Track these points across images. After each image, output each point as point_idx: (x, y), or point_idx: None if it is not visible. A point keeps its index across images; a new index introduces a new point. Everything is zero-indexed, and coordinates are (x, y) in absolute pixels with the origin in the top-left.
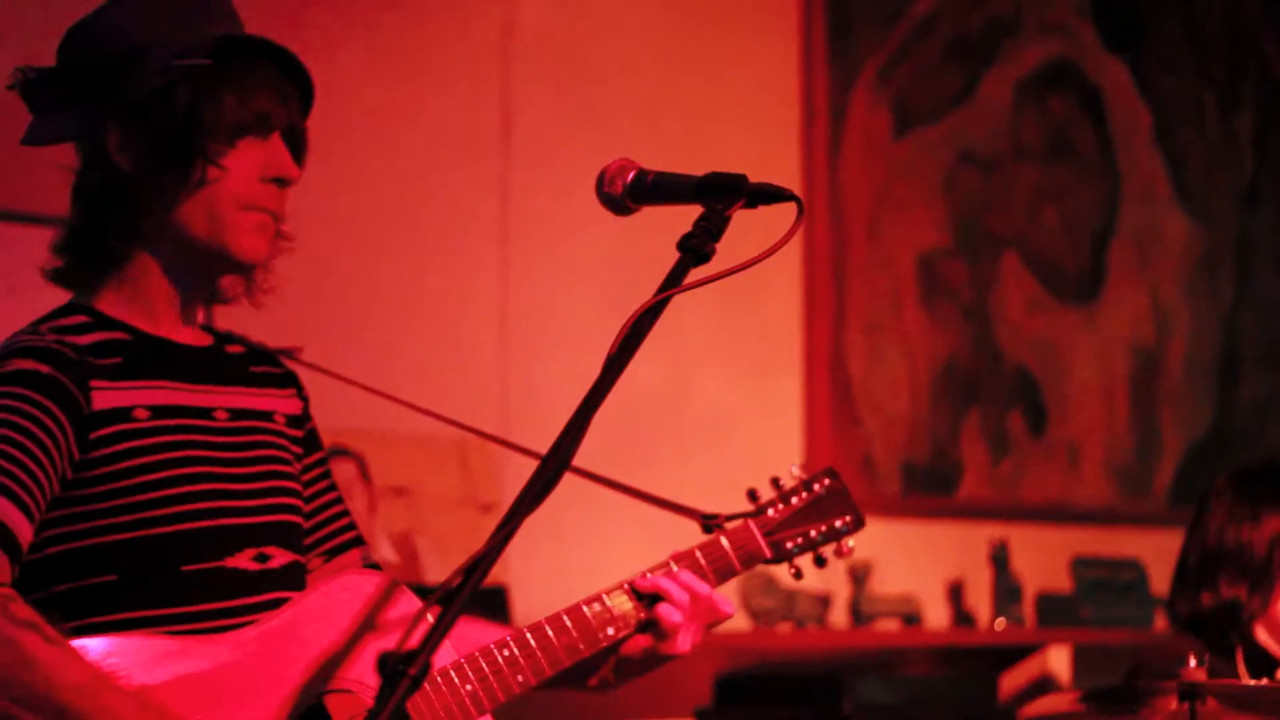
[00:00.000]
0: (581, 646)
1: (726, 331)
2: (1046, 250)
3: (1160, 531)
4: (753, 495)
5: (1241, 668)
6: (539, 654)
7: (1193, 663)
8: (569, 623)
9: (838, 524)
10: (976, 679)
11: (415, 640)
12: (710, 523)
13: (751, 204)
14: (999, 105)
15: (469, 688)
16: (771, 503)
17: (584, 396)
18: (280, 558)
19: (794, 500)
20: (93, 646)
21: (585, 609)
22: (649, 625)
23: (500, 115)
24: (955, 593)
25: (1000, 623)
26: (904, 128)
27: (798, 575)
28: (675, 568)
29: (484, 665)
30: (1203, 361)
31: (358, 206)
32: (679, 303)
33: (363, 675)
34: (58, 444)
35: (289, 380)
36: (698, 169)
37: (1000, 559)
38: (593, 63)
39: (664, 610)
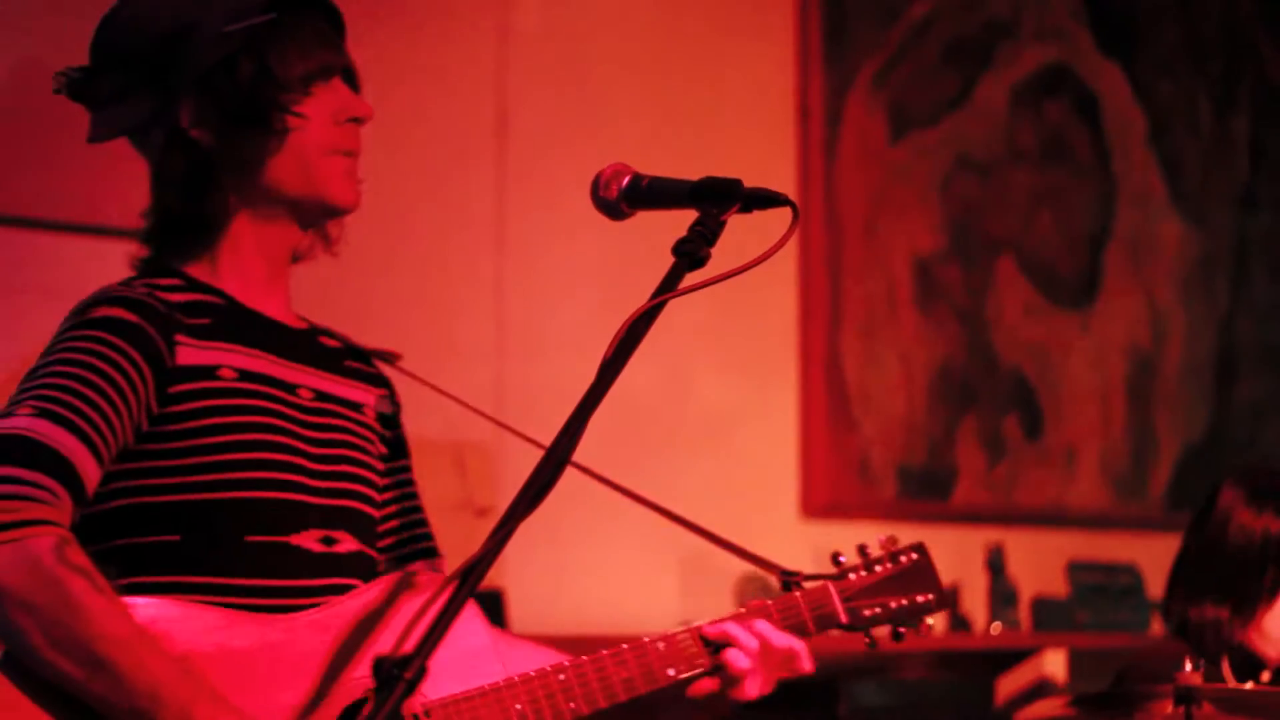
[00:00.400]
0: (640, 684)
1: (722, 335)
2: (1042, 254)
3: (1156, 536)
4: (836, 559)
5: (1227, 672)
6: (595, 684)
7: (1188, 667)
8: (630, 658)
9: (919, 599)
10: (972, 683)
11: (412, 644)
12: (789, 579)
13: (747, 209)
14: (995, 109)
15: (518, 706)
16: (855, 568)
17: (580, 400)
18: (347, 543)
19: (877, 569)
20: (143, 606)
21: (649, 645)
22: (717, 669)
23: (496, 119)
24: (951, 597)
25: (996, 627)
26: (900, 131)
27: (872, 645)
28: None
29: (537, 687)
30: (1199, 365)
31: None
32: (675, 306)
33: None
34: (136, 392)
35: (383, 382)
36: (693, 173)
37: (996, 563)
38: (588, 67)
39: (731, 655)
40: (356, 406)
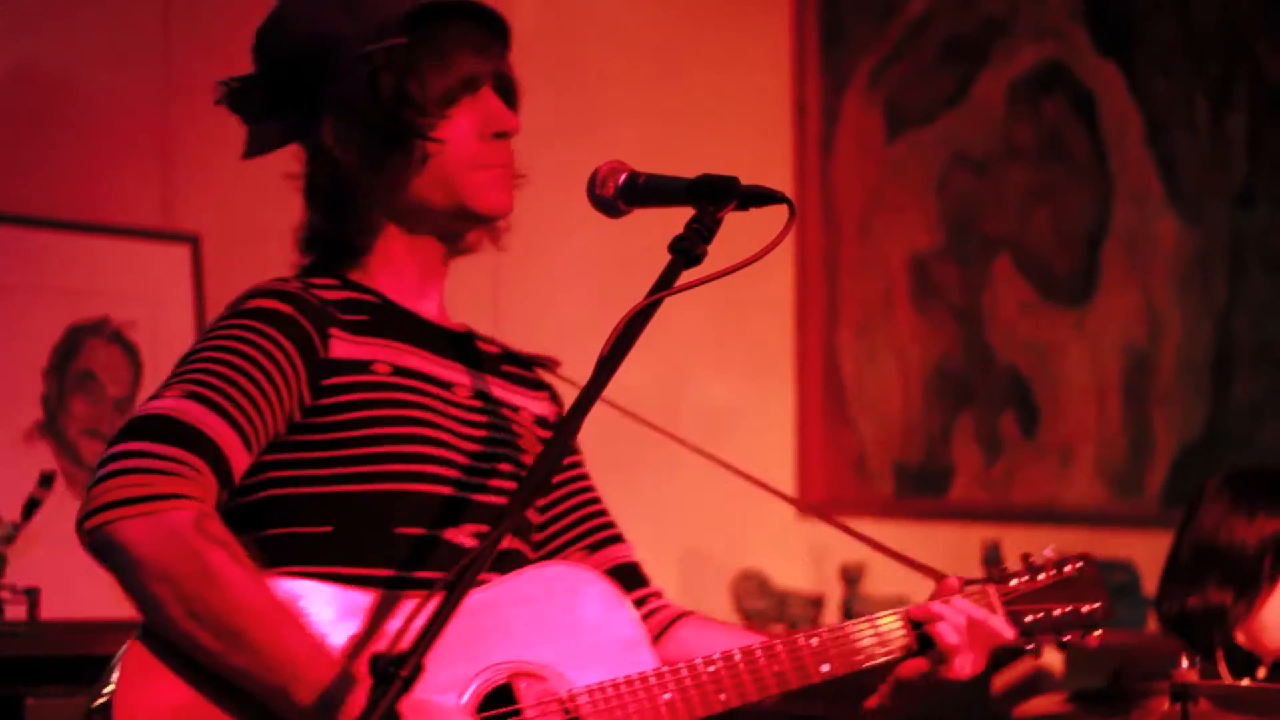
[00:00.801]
0: (792, 680)
1: (719, 333)
2: (1039, 252)
3: (1152, 533)
4: (998, 564)
5: (1223, 667)
6: (745, 678)
7: (1185, 664)
8: (783, 651)
9: (1084, 609)
10: (969, 679)
11: (409, 642)
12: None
13: (743, 206)
14: (992, 107)
15: (666, 696)
16: (1018, 573)
17: (576, 398)
18: (503, 542)
19: (1040, 576)
20: (287, 584)
21: (801, 641)
22: (924, 650)
23: None
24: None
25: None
26: (896, 129)
27: (1035, 653)
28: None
29: (687, 677)
30: (1195, 363)
31: None
32: (671, 304)
33: (560, 665)
34: (288, 383)
35: (543, 386)
36: (689, 171)
37: (993, 561)
38: (585, 64)
39: (941, 629)
40: (514, 409)
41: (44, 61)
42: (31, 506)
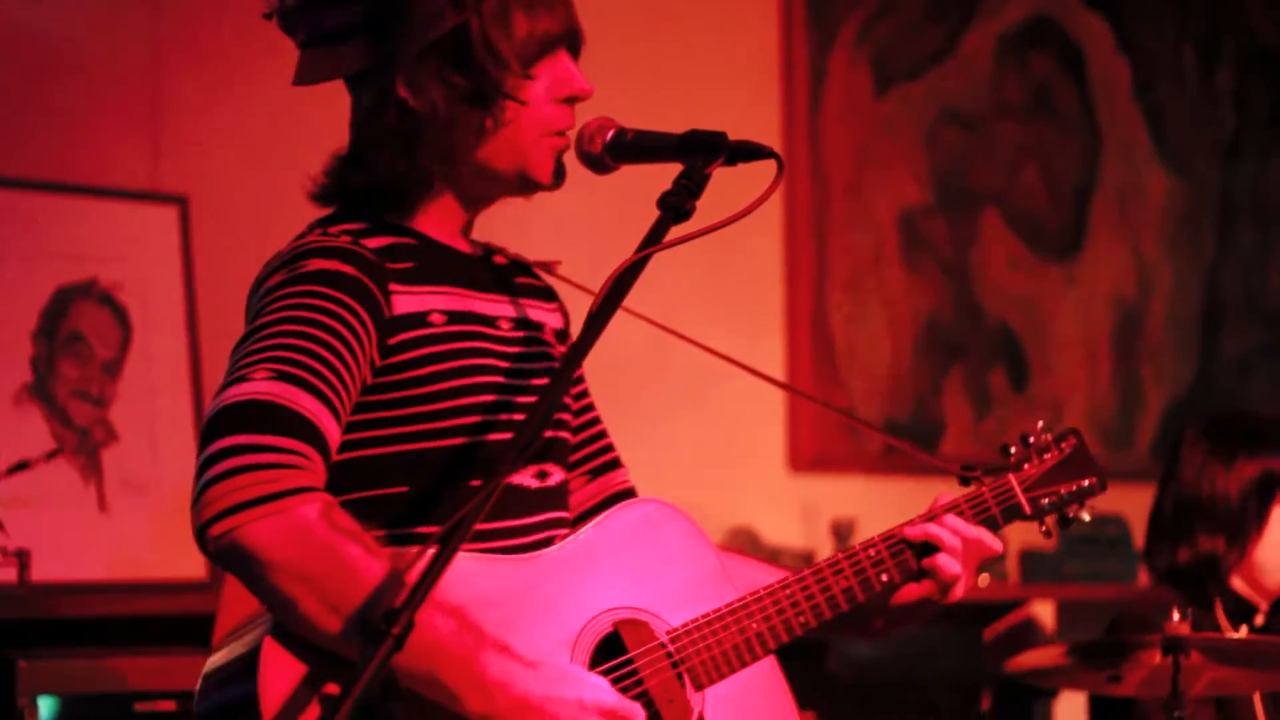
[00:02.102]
0: (859, 592)
1: (707, 290)
2: (1028, 207)
3: (1143, 487)
4: (1005, 450)
5: (1221, 617)
6: (819, 596)
7: (1176, 616)
8: (847, 566)
9: (1085, 484)
10: (961, 635)
11: (402, 597)
12: (968, 475)
13: (731, 161)
14: (980, 62)
15: (755, 628)
16: (1026, 458)
17: (565, 354)
18: (556, 475)
19: (1046, 457)
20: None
21: (861, 554)
22: (922, 574)
23: None
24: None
25: (984, 579)
26: (884, 85)
27: (1047, 534)
28: (941, 515)
29: (769, 604)
30: (1184, 317)
31: None
32: (659, 261)
33: (655, 606)
34: (363, 346)
35: (552, 294)
36: (677, 127)
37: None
38: None
39: (943, 561)
40: (540, 328)
41: (32, 23)
42: (17, 468)
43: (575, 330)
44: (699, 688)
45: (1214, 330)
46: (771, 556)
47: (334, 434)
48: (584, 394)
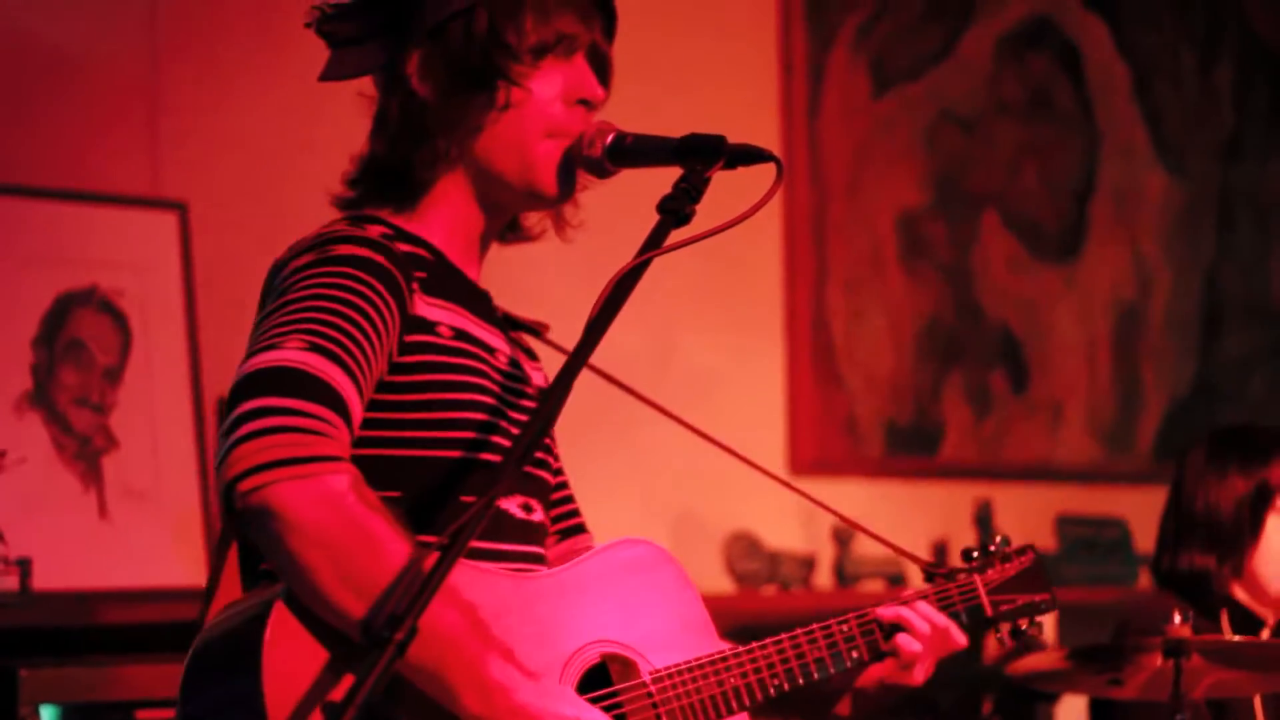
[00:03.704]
0: (829, 664)
1: (707, 293)
2: (1027, 208)
3: (1144, 489)
4: (968, 555)
5: (1226, 626)
6: (793, 661)
7: (1177, 620)
8: (820, 637)
9: (1038, 599)
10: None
11: (404, 605)
12: (933, 571)
13: (731, 165)
14: (978, 63)
15: (733, 682)
16: (990, 564)
17: (566, 360)
18: (538, 512)
19: (1007, 566)
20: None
21: (834, 627)
22: (890, 654)
23: None
24: (939, 553)
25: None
26: (883, 86)
27: (1001, 641)
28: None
29: (746, 661)
30: (1184, 318)
31: (334, 174)
32: (659, 265)
33: (641, 645)
34: (389, 333)
35: (533, 355)
36: (676, 130)
37: (984, 519)
38: None
39: (903, 640)
40: (528, 380)
41: (30, 28)
42: None
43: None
44: None
45: (1214, 331)
46: (772, 560)
47: (358, 412)
48: (556, 455)
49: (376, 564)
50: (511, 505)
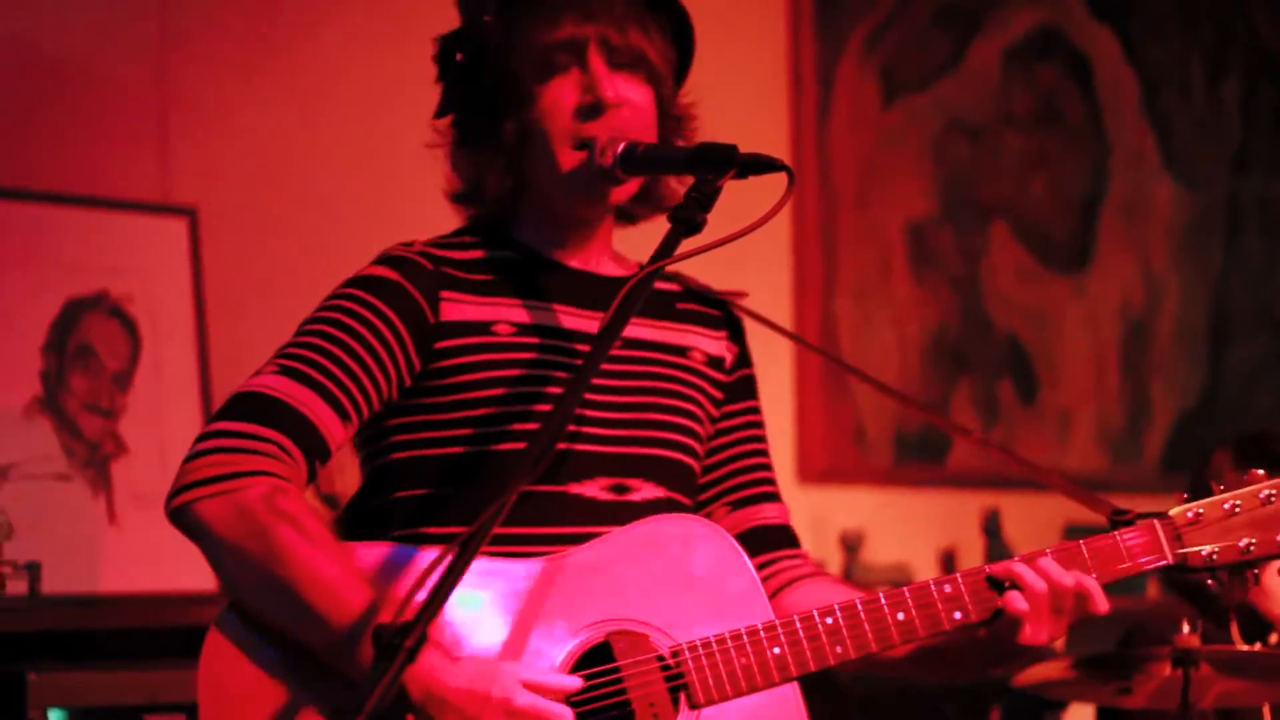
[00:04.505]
0: (920, 627)
1: None
2: (1035, 218)
3: (1151, 499)
4: (996, 531)
5: (1236, 634)
6: (867, 627)
7: (1186, 629)
8: (910, 600)
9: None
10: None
11: (413, 611)
12: (1117, 519)
13: (742, 174)
14: (987, 73)
15: (776, 650)
16: (1209, 499)
17: (578, 368)
18: (645, 491)
19: (1233, 505)
20: (371, 550)
21: (933, 588)
22: (999, 612)
23: None
24: (948, 561)
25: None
26: (892, 96)
27: (1222, 598)
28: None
29: (800, 629)
30: (1193, 328)
31: (343, 180)
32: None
33: (663, 622)
34: (390, 350)
35: (723, 324)
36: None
37: (992, 528)
38: None
39: (1011, 597)
40: (679, 351)
41: (39, 34)
42: None
43: (750, 358)
44: (694, 706)
45: (1222, 341)
46: None
47: (334, 432)
48: (743, 413)
49: (282, 569)
50: (591, 489)
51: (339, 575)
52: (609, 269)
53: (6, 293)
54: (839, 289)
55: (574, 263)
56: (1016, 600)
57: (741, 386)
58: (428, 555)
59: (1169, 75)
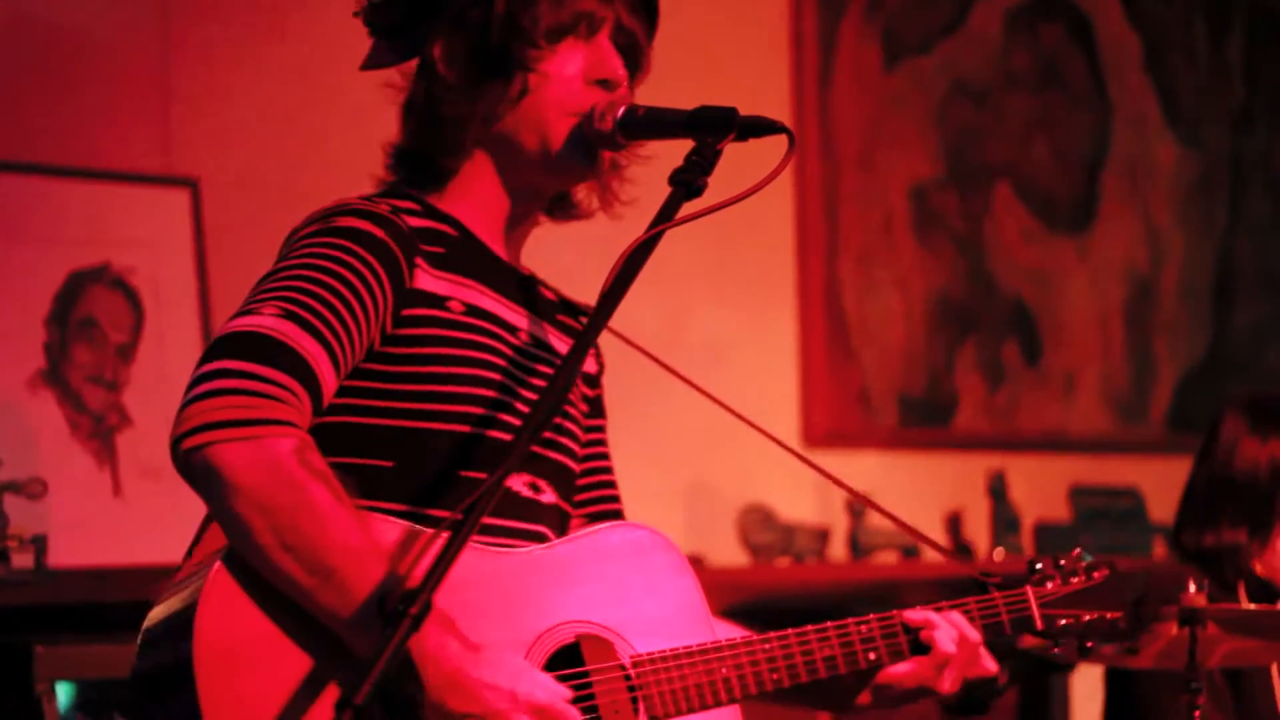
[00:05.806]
0: (841, 664)
1: (720, 267)
2: (1039, 179)
3: (1157, 459)
4: (1031, 566)
5: (1244, 598)
6: (798, 658)
7: (1192, 588)
8: (834, 636)
9: (1109, 616)
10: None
11: (418, 578)
12: (986, 580)
13: (743, 137)
14: (989, 35)
15: (724, 673)
16: (1050, 576)
17: (579, 334)
18: (549, 494)
19: (1073, 580)
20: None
21: (851, 626)
22: (914, 653)
23: None
24: (954, 524)
25: (999, 553)
26: (894, 58)
27: (1062, 659)
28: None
29: (743, 653)
30: (1197, 288)
31: (346, 150)
32: (671, 238)
33: (624, 630)
34: (377, 308)
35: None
36: (687, 102)
37: (998, 490)
38: None
39: (939, 636)
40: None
41: (41, 6)
42: None
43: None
44: (652, 718)
45: (1226, 300)
46: (787, 532)
47: (330, 381)
48: (599, 429)
49: (314, 530)
50: (517, 483)
51: (365, 545)
52: (519, 265)
53: (9, 265)
54: (842, 252)
55: (501, 252)
56: (945, 642)
57: (599, 404)
58: (422, 536)
59: (1171, 35)
